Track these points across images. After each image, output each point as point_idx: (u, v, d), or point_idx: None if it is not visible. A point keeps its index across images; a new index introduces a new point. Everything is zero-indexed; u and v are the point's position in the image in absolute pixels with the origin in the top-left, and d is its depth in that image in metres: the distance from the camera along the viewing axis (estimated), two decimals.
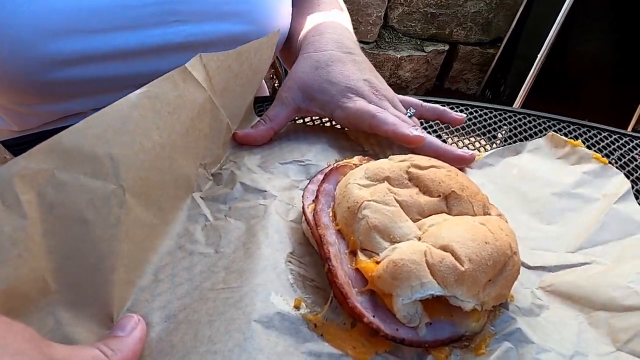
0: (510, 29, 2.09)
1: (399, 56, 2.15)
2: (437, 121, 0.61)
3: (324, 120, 0.57)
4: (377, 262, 0.31)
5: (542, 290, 0.36)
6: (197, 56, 0.40)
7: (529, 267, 0.37)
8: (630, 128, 1.81)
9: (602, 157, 0.48)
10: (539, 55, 1.84)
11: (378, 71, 0.54)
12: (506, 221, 0.36)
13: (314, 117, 0.58)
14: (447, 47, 2.23)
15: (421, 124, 0.59)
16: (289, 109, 0.50)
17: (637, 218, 0.41)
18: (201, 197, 0.41)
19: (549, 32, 1.81)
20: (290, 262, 0.35)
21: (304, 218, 0.36)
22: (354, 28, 0.63)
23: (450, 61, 2.30)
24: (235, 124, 0.49)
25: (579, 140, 0.51)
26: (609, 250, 0.38)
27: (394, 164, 0.37)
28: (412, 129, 0.45)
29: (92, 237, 0.30)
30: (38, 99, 0.50)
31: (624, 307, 0.32)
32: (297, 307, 0.31)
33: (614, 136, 0.61)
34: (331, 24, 0.56)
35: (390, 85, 0.53)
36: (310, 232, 0.35)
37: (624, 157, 0.57)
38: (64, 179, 0.29)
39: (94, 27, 0.47)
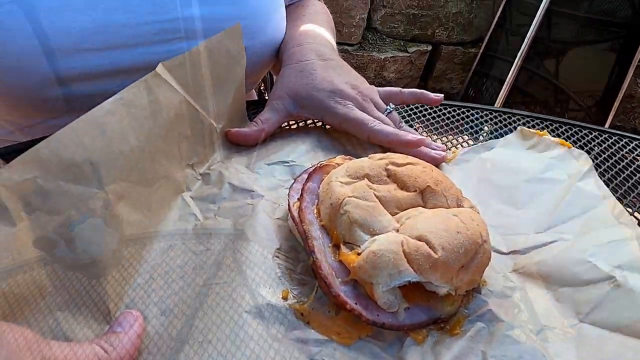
0: (491, 29, 2.13)
1: (382, 57, 2.18)
2: (423, 122, 0.63)
3: (308, 122, 0.59)
4: (358, 254, 0.33)
5: (515, 273, 0.38)
6: (160, 65, 0.41)
7: (503, 253, 0.40)
8: (607, 125, 1.86)
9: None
10: (518, 54, 1.89)
11: (362, 72, 0.58)
12: (478, 212, 0.38)
13: (298, 121, 0.60)
14: (429, 48, 2.27)
15: (404, 119, 0.62)
16: (281, 114, 0.53)
17: (596, 192, 0.45)
18: (191, 197, 0.43)
19: (527, 31, 1.86)
20: (277, 257, 0.37)
21: (289, 215, 0.39)
22: (338, 31, 0.66)
23: (434, 61, 2.33)
24: (221, 122, 0.50)
25: (545, 131, 0.54)
26: (573, 225, 0.42)
27: (373, 162, 0.39)
28: (409, 135, 0.49)
29: None
30: (43, 114, 0.52)
31: (585, 282, 0.36)
32: (284, 298, 0.33)
33: (593, 133, 0.64)
34: (311, 33, 0.60)
35: (375, 86, 0.56)
36: (296, 228, 0.37)
37: (604, 153, 0.59)
38: (47, 187, 0.30)
39: (98, 45, 0.48)
